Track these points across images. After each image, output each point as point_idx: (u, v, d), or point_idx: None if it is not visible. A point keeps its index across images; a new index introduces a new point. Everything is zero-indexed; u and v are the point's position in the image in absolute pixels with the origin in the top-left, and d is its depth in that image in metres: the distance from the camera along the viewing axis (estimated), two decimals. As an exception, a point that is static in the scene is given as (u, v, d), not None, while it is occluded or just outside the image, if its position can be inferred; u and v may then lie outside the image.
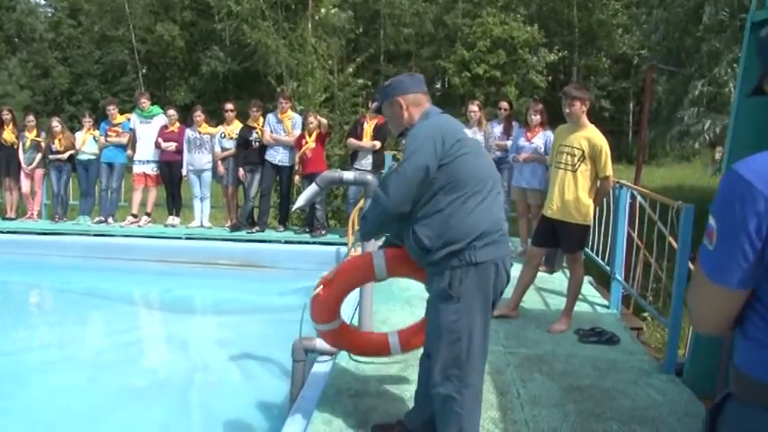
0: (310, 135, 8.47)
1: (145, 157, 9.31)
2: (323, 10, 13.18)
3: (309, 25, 13.39)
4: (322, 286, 3.23)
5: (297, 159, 8.60)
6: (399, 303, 5.41)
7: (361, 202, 5.50)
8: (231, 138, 8.91)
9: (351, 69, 12.83)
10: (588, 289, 6.03)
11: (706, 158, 16.31)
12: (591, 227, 5.20)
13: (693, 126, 11.55)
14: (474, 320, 2.74)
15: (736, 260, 1.35)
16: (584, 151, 4.72)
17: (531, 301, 5.50)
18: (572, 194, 4.75)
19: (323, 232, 8.79)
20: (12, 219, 9.75)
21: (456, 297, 2.72)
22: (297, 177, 8.76)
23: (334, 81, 12.22)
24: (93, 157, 9.46)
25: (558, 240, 4.96)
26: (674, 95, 12.96)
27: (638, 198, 5.61)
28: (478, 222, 2.69)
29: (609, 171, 4.78)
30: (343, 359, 4.15)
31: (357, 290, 4.87)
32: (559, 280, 6.25)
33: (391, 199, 2.71)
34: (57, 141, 9.44)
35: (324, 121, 8.64)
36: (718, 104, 11.49)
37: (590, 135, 4.75)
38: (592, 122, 4.88)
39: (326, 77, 12.03)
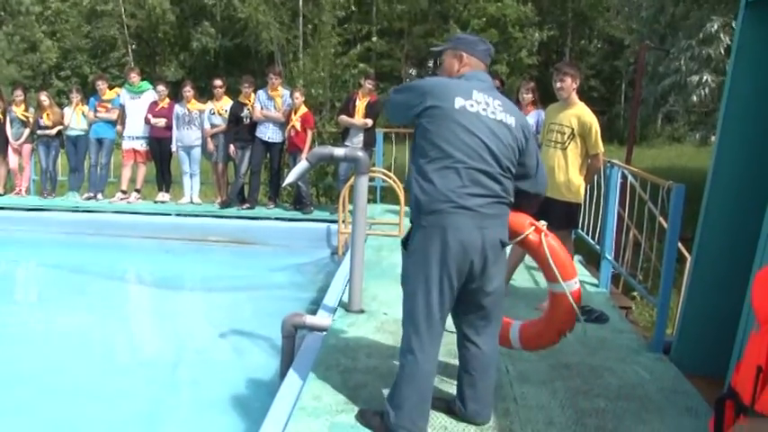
0: (296, 113, 8.44)
1: (134, 132, 9.21)
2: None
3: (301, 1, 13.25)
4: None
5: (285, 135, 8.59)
6: (388, 280, 5.40)
7: (352, 179, 5.47)
8: (220, 114, 8.84)
9: (356, 51, 12.69)
10: (578, 267, 6.03)
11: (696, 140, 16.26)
12: (581, 205, 5.20)
13: (689, 76, 11.43)
14: (417, 282, 2.82)
15: None
16: (573, 129, 4.71)
17: (520, 279, 5.52)
18: (562, 172, 4.75)
19: (311, 209, 8.78)
20: (0, 194, 9.66)
21: (407, 254, 2.90)
22: (285, 154, 8.75)
23: (339, 60, 12.09)
24: (82, 132, 9.36)
25: (547, 218, 4.96)
26: (662, 63, 12.88)
27: (629, 177, 5.62)
28: (431, 190, 2.76)
29: (599, 148, 4.77)
30: (333, 336, 4.16)
31: (347, 267, 4.89)
32: (549, 259, 6.26)
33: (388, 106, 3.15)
34: (45, 116, 9.33)
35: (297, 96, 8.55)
36: (711, 62, 11.38)
37: (579, 113, 4.75)
38: (582, 101, 4.88)
39: (329, 56, 11.89)
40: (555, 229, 5.08)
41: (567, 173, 4.74)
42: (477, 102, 2.83)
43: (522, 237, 3.12)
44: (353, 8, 13.38)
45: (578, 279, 3.23)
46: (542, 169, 3.09)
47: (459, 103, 2.80)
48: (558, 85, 4.77)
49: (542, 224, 3.17)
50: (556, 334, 3.32)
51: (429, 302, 2.81)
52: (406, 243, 2.94)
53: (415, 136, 2.91)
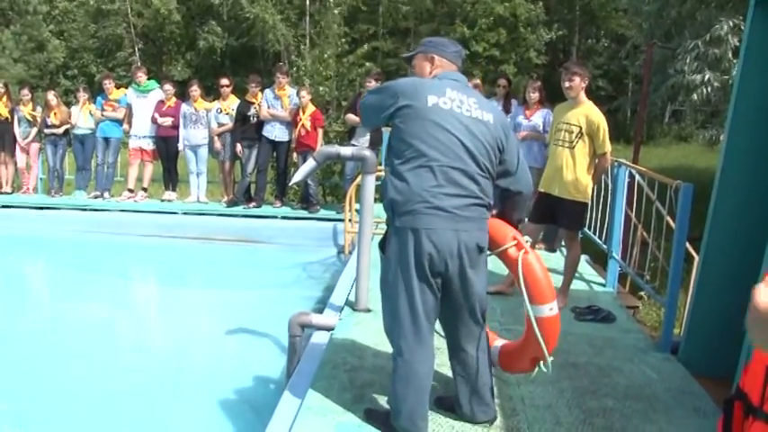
0: (304, 111, 8.43)
1: (141, 131, 9.23)
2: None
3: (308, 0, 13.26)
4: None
5: (294, 135, 8.59)
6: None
7: (359, 178, 5.47)
8: (227, 113, 8.85)
9: (363, 50, 12.68)
10: (585, 267, 6.04)
11: (703, 138, 16.18)
12: (589, 204, 5.18)
13: (691, 75, 11.37)
14: (397, 284, 2.80)
15: None
16: (581, 128, 4.71)
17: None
18: (570, 171, 4.74)
19: (317, 208, 8.78)
20: (7, 193, 9.69)
21: (385, 257, 2.88)
22: (294, 154, 8.75)
23: (345, 59, 12.08)
24: (90, 131, 9.39)
25: (554, 217, 4.96)
26: (669, 63, 12.83)
27: (637, 177, 5.60)
28: (405, 190, 2.71)
29: (607, 147, 4.76)
30: (339, 335, 4.15)
31: (353, 265, 4.89)
32: (557, 258, 6.25)
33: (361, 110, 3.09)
34: (52, 115, 9.36)
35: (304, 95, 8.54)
36: (716, 63, 11.31)
37: (588, 112, 4.74)
38: (590, 100, 4.87)
39: (335, 54, 11.89)
40: (564, 228, 5.13)
41: (574, 172, 4.73)
42: (451, 99, 2.79)
43: (501, 249, 2.95)
44: (361, 6, 13.35)
45: (555, 306, 2.94)
46: (524, 167, 3.01)
47: (431, 100, 2.75)
48: (567, 84, 4.76)
49: (526, 240, 2.96)
50: (529, 362, 3.11)
51: (413, 304, 2.78)
52: (383, 246, 2.90)
53: (390, 138, 2.90)
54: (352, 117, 8.34)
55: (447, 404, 3.18)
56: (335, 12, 12.66)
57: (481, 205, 2.80)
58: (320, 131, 8.56)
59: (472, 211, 2.76)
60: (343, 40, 12.55)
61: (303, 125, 8.42)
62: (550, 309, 2.92)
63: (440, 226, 2.70)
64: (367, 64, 12.44)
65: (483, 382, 3.04)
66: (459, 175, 2.72)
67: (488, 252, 2.93)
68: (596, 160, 4.83)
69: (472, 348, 2.99)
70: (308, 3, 13.17)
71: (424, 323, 2.82)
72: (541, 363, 3.01)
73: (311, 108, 8.53)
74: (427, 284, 2.77)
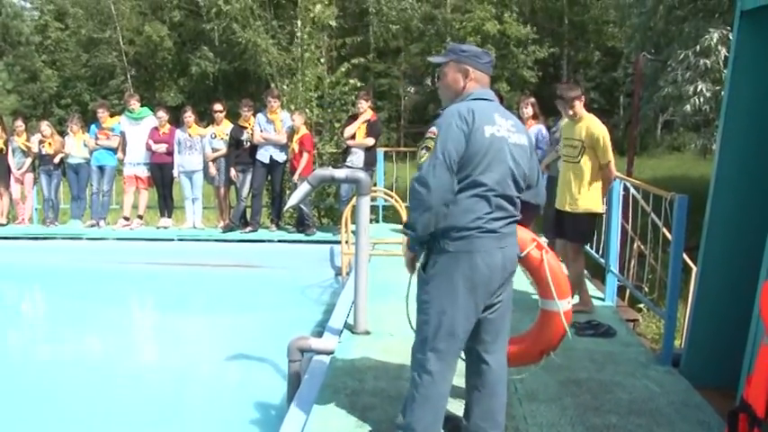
0: (297, 134, 8.45)
1: (135, 159, 9.25)
2: (317, 6, 12.93)
3: (300, 22, 13.29)
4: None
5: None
6: (394, 301, 5.36)
7: (353, 200, 5.46)
8: (221, 138, 8.86)
9: (343, 69, 12.69)
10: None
11: (695, 148, 16.20)
12: (597, 215, 5.19)
13: (683, 86, 11.42)
14: (443, 306, 2.79)
15: None
16: (583, 142, 4.81)
17: (527, 294, 5.48)
18: (576, 186, 4.86)
19: (313, 230, 8.77)
20: (2, 224, 9.66)
21: (427, 278, 2.84)
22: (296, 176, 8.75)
23: (326, 79, 12.07)
24: (84, 160, 9.40)
25: (563, 231, 5.07)
26: (660, 74, 12.90)
27: (632, 190, 5.61)
28: (462, 217, 2.74)
29: (609, 157, 4.83)
30: (339, 358, 4.13)
31: (351, 288, 4.87)
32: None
33: (432, 192, 2.67)
34: (46, 145, 9.37)
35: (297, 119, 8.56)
36: (708, 72, 11.35)
37: (588, 125, 4.85)
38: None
39: (317, 75, 11.90)
40: (571, 241, 5.16)
41: (580, 186, 4.86)
42: (500, 126, 2.81)
43: (524, 253, 3.11)
44: (333, 23, 13.26)
45: (570, 300, 3.22)
46: (542, 180, 3.10)
47: (488, 131, 2.76)
48: (570, 112, 4.94)
49: (543, 240, 3.16)
50: (539, 353, 3.32)
51: (453, 326, 2.79)
52: (424, 267, 2.88)
53: None
54: (349, 129, 8.35)
55: (449, 425, 3.15)
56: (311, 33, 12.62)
57: (515, 222, 2.90)
58: (305, 156, 8.48)
59: (510, 228, 2.86)
60: (320, 58, 12.50)
61: (292, 149, 8.44)
62: (568, 302, 3.22)
63: (491, 246, 2.77)
64: (351, 81, 12.33)
65: (498, 400, 3.01)
66: (506, 201, 2.81)
67: None
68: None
69: (493, 360, 2.98)
70: (300, 23, 13.23)
71: (459, 344, 2.86)
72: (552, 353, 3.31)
73: (303, 131, 8.54)
74: (474, 306, 2.80)
